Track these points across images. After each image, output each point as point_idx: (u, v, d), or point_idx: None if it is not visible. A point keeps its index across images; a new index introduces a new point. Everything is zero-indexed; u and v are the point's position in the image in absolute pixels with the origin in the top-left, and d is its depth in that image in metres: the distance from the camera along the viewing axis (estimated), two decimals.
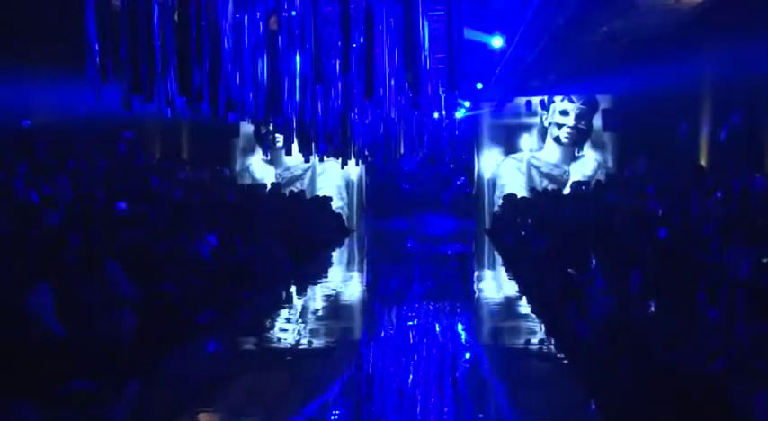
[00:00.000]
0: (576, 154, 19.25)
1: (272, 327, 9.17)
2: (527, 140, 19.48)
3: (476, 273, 14.83)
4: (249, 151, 19.74)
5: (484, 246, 18.37)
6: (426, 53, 6.60)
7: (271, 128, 10.03)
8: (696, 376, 5.29)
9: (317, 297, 11.30)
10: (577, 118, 19.18)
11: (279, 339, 8.54)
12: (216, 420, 6.04)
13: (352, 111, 9.68)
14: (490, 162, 19.82)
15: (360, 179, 20.52)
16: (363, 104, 9.63)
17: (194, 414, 6.03)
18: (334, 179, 19.59)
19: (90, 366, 6.20)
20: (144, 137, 16.68)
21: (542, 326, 8.81)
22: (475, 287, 12.82)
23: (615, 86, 17.75)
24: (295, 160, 17.09)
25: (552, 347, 7.98)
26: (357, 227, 20.42)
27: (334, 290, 11.93)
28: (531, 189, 18.85)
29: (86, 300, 6.86)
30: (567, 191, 17.90)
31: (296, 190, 18.94)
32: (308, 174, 19.62)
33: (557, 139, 19.32)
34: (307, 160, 12.88)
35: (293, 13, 7.38)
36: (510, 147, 19.65)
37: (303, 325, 9.14)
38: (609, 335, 6.78)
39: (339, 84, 8.87)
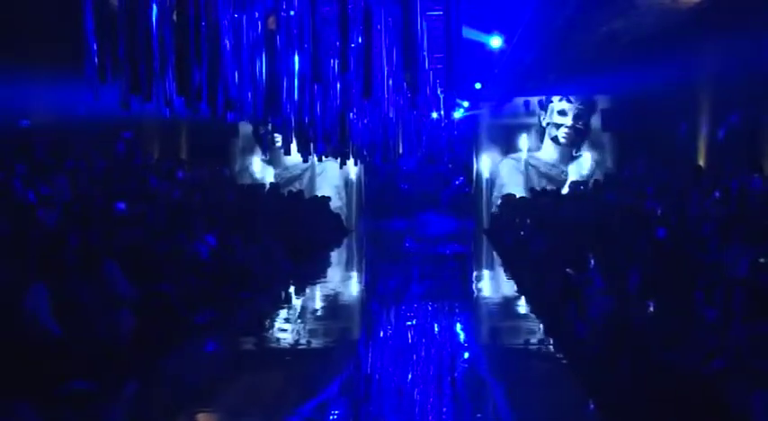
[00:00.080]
0: (574, 154, 19.28)
1: (271, 328, 9.17)
2: (525, 140, 19.50)
3: (474, 273, 14.83)
4: (248, 151, 19.73)
5: (482, 246, 18.37)
6: (425, 53, 6.61)
7: (269, 128, 9.99)
8: (694, 375, 5.30)
9: (315, 297, 11.30)
10: (575, 118, 19.20)
11: (278, 339, 8.55)
12: (215, 420, 6.04)
13: (350, 110, 9.66)
14: (489, 162, 19.84)
15: (358, 179, 20.52)
16: (362, 104, 9.62)
17: (193, 414, 6.03)
18: (332, 179, 19.59)
19: (88, 366, 6.21)
20: (143, 137, 16.63)
21: (541, 326, 8.82)
22: (473, 287, 12.83)
23: (614, 86, 17.75)
24: (294, 160, 17.06)
25: (551, 347, 7.99)
26: (356, 227, 20.41)
27: (333, 290, 11.94)
28: (530, 189, 18.87)
29: (85, 300, 6.85)
30: (565, 191, 17.92)
31: (295, 190, 18.90)
32: (307, 174, 19.61)
33: (555, 139, 19.35)
34: (305, 160, 12.87)
35: (292, 12, 7.36)
36: (508, 147, 19.67)
37: (302, 325, 9.15)
38: (607, 335, 6.78)
39: (338, 83, 8.86)
